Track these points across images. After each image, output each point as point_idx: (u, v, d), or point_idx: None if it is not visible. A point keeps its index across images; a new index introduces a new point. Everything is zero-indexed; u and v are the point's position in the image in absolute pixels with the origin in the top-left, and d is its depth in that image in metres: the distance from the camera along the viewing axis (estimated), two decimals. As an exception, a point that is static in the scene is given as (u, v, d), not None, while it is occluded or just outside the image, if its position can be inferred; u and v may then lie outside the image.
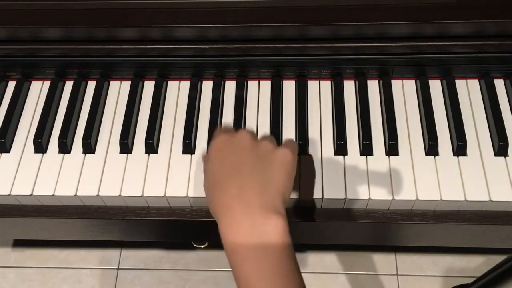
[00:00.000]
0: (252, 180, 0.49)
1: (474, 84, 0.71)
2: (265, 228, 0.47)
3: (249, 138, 0.53)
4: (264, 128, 0.68)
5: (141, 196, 0.64)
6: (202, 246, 1.02)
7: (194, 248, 1.09)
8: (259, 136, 0.66)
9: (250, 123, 0.69)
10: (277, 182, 0.50)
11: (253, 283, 0.46)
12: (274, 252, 0.47)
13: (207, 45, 0.68)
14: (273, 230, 0.47)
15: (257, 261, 0.46)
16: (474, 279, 0.89)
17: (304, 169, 0.64)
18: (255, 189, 0.49)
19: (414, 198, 0.62)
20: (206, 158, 0.55)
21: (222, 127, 0.60)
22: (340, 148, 0.66)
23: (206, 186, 0.53)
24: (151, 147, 0.67)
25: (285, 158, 0.51)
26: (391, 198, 0.62)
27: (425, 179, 0.63)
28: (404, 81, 0.72)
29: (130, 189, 0.64)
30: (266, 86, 0.72)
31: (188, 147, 0.67)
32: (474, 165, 0.64)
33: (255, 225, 0.47)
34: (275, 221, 0.47)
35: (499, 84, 0.70)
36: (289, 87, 0.72)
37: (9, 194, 0.65)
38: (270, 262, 0.46)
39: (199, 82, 0.73)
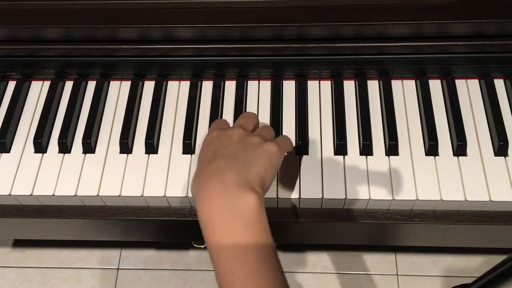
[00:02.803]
0: (233, 161, 0.51)
1: (474, 84, 0.71)
2: (238, 203, 0.48)
3: (240, 133, 0.54)
4: (264, 128, 0.68)
5: (141, 196, 0.64)
6: (202, 246, 1.02)
7: (194, 248, 1.09)
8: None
9: (250, 123, 0.69)
10: (257, 166, 0.51)
11: (223, 256, 0.47)
12: (247, 227, 0.48)
13: (207, 45, 0.68)
14: (246, 205, 0.48)
15: (229, 235, 0.47)
16: (474, 279, 0.89)
17: (304, 169, 0.64)
18: (234, 169, 0.50)
19: (414, 198, 0.62)
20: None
21: (219, 121, 0.61)
22: (340, 148, 0.66)
23: (194, 174, 0.55)
24: (151, 147, 0.67)
25: (270, 150, 0.53)
26: (391, 198, 0.62)
27: (425, 179, 0.63)
28: (404, 81, 0.72)
29: (130, 189, 0.64)
30: (266, 86, 0.72)
31: (188, 147, 0.67)
32: (474, 165, 0.64)
33: (229, 199, 0.48)
34: (248, 197, 0.48)
35: (499, 84, 0.70)
36: (289, 87, 0.72)
37: (9, 194, 0.65)
38: (242, 236, 0.47)
39: (199, 82, 0.73)
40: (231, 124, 0.63)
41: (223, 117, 0.70)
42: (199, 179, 0.52)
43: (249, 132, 0.56)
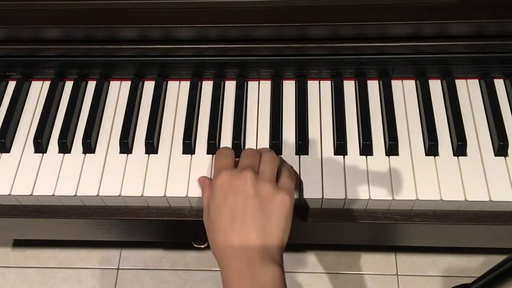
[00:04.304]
0: (254, 232, 0.53)
1: (474, 84, 0.71)
2: (263, 278, 0.51)
3: (251, 183, 0.55)
4: (264, 128, 0.68)
5: (141, 196, 0.64)
6: (202, 246, 1.02)
7: (194, 248, 1.09)
8: (259, 147, 0.66)
9: (250, 123, 0.69)
10: (277, 234, 0.54)
11: None
12: None
13: (207, 45, 0.68)
14: (271, 280, 0.51)
15: None
16: (474, 279, 0.89)
17: (304, 169, 0.64)
18: (256, 242, 0.52)
19: (414, 198, 0.62)
20: (210, 195, 0.57)
21: (223, 152, 0.61)
22: (340, 148, 0.66)
23: (209, 222, 0.56)
24: (151, 147, 0.67)
25: (285, 206, 0.55)
26: (391, 198, 0.62)
27: (425, 179, 0.63)
28: (404, 81, 0.72)
29: (130, 189, 0.64)
30: (266, 86, 0.72)
31: (188, 147, 0.67)
32: (474, 165, 0.64)
33: (254, 275, 0.51)
34: (272, 272, 0.51)
35: (499, 84, 0.70)
36: (289, 87, 0.72)
37: (9, 194, 0.65)
38: None
39: (199, 82, 0.73)
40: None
41: (223, 117, 0.70)
42: (223, 248, 0.53)
43: (257, 172, 0.56)
